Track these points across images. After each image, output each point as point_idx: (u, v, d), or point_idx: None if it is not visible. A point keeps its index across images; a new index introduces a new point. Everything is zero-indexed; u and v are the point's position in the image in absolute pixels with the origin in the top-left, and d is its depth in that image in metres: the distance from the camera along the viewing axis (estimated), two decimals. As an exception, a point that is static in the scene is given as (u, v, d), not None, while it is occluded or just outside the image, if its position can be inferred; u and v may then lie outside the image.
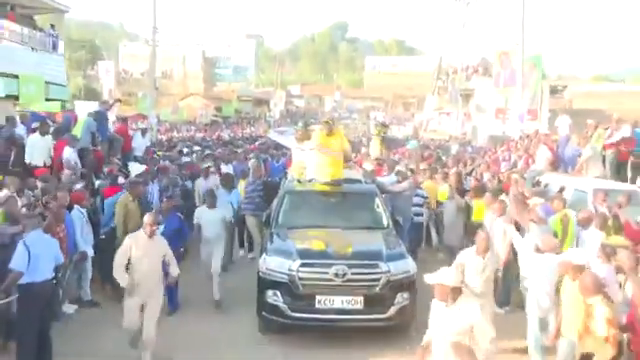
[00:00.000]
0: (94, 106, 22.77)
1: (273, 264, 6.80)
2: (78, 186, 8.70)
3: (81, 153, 10.75)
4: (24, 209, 7.14)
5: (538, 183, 11.08)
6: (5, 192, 7.38)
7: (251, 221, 10.03)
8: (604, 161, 12.10)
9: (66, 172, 9.72)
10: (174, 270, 6.27)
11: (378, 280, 6.62)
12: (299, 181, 8.75)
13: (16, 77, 17.38)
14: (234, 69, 57.58)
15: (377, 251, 6.97)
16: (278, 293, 6.64)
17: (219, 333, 7.06)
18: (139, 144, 13.58)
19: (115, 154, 12.38)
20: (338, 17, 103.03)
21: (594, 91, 40.93)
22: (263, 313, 6.83)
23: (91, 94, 38.68)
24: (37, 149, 10.32)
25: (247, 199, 10.19)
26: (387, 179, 10.39)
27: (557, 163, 12.15)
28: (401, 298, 6.60)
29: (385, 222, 7.98)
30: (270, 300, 6.68)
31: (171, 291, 7.44)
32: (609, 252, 5.98)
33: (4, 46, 17.39)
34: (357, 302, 6.58)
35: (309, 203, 8.35)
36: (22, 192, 7.86)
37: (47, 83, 19.17)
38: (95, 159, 11.33)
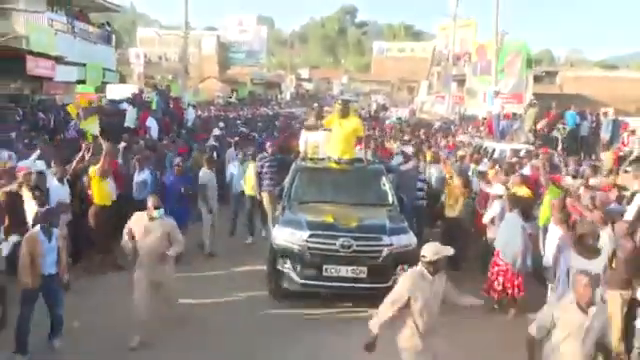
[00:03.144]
0: (129, 88, 28.60)
1: (285, 234, 7.55)
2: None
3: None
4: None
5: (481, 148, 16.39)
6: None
7: (265, 197, 10.69)
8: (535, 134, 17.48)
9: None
10: (173, 250, 6.52)
11: (381, 252, 7.34)
12: (312, 159, 9.55)
13: (84, 65, 22.88)
14: (247, 53, 62.63)
15: (381, 225, 7.65)
16: (288, 261, 7.44)
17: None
18: (191, 117, 18.98)
19: (175, 123, 17.83)
20: (347, 1, 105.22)
21: (583, 76, 45.48)
22: (275, 280, 7.66)
23: (121, 78, 44.05)
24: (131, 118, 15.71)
25: (263, 175, 10.73)
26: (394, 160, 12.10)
27: (493, 134, 17.49)
28: (402, 269, 6.96)
29: (390, 199, 8.73)
30: (281, 267, 7.50)
31: None
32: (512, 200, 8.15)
33: (77, 41, 22.82)
34: (361, 272, 7.30)
35: (319, 180, 9.12)
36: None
37: (104, 69, 24.76)
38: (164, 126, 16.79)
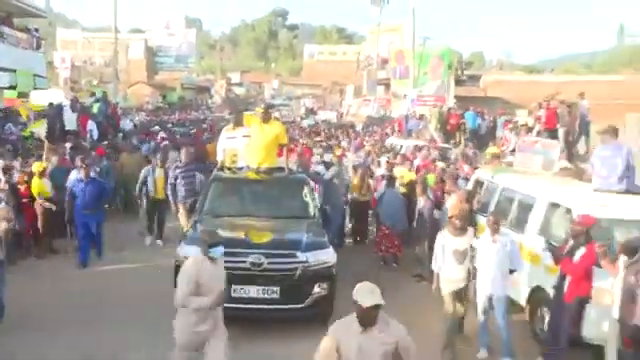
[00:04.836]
0: (54, 94, 29.95)
1: (190, 252, 6.67)
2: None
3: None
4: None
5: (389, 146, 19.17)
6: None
7: (181, 209, 10.64)
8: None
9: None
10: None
11: (295, 270, 6.94)
12: (229, 169, 9.13)
13: (14, 71, 24.11)
14: (176, 58, 64.09)
15: (296, 240, 7.30)
16: None
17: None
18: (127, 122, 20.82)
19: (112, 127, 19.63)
20: (278, 3, 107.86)
21: (504, 80, 49.75)
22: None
23: (45, 82, 44.63)
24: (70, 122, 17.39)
25: (177, 186, 10.70)
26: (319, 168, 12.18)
27: (404, 131, 20.41)
28: (318, 288, 6.90)
29: (312, 211, 8.41)
30: None
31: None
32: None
33: (6, 47, 23.94)
34: (273, 292, 6.89)
35: (236, 191, 8.77)
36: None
37: (34, 76, 26.00)
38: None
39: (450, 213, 7.89)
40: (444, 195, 9.63)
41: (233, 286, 6.66)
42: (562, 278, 6.53)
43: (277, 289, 6.94)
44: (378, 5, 38.39)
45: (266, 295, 6.94)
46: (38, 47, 26.79)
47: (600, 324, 6.29)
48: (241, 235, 7.48)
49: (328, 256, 7.28)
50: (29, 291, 8.34)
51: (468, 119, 20.21)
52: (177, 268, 6.87)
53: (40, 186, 10.48)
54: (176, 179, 10.77)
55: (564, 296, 6.45)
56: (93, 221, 10.02)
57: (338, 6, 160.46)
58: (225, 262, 6.46)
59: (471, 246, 6.97)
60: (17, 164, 11.52)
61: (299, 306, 6.75)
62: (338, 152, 13.66)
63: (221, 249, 5.33)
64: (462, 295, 6.94)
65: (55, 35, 66.95)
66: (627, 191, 7.94)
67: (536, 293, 7.37)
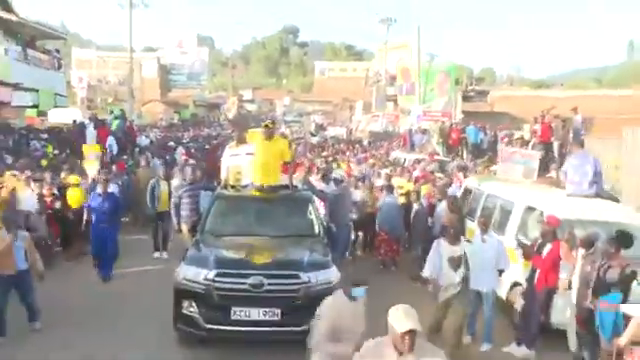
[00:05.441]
0: (71, 113, 31.58)
1: (189, 273, 7.00)
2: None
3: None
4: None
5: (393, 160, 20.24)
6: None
7: (184, 229, 10.75)
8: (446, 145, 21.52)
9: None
10: None
11: (297, 291, 6.83)
12: (233, 187, 9.04)
13: (37, 91, 25.62)
14: (188, 75, 65.92)
15: (298, 260, 7.18)
16: (194, 304, 6.88)
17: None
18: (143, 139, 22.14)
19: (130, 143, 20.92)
20: (289, 20, 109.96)
21: (511, 95, 50.71)
22: (179, 324, 7.10)
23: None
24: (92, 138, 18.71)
25: (182, 205, 11.04)
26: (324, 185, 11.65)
27: (408, 146, 21.50)
28: None
29: (316, 230, 8.29)
30: (185, 311, 6.93)
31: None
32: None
33: (30, 68, 25.48)
34: (274, 314, 6.79)
35: (239, 209, 8.68)
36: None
37: (55, 94, 27.56)
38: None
39: (443, 221, 8.88)
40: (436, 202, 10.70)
41: (233, 308, 6.76)
42: (533, 271, 7.54)
43: (279, 311, 6.84)
44: (385, 23, 39.71)
45: (267, 317, 6.83)
46: (59, 67, 28.42)
47: (565, 311, 7.28)
48: (242, 255, 7.45)
49: (332, 276, 7.13)
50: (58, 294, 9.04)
51: (470, 134, 21.22)
52: (176, 291, 7.10)
53: (78, 197, 11.61)
54: (180, 198, 11.05)
55: (535, 287, 7.47)
56: (108, 234, 10.38)
57: (347, 24, 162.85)
58: (224, 283, 6.71)
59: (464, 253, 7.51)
60: (47, 176, 12.65)
61: (302, 328, 6.34)
62: (344, 167, 14.64)
63: (362, 289, 5.06)
64: (456, 300, 7.30)
65: (70, 54, 68.99)
66: (597, 195, 8.96)
67: (514, 288, 8.35)
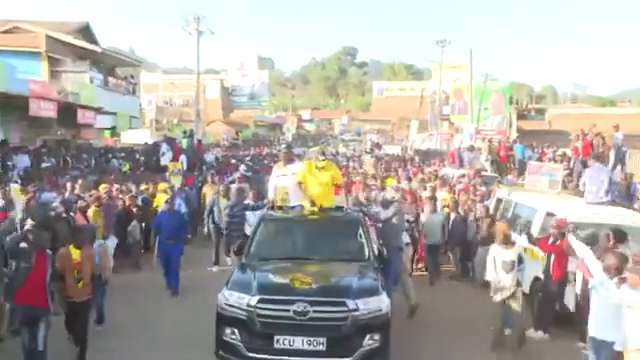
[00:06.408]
0: (141, 134, 34.62)
1: (232, 299, 6.83)
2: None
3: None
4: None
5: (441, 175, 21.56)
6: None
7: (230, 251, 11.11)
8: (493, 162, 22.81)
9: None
10: None
11: (344, 319, 6.58)
12: (280, 207, 8.89)
13: (115, 114, 28.56)
14: (249, 96, 69.10)
15: (346, 286, 6.97)
16: (236, 331, 6.69)
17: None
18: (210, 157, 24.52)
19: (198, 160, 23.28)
20: (347, 41, 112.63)
21: (569, 113, 50.91)
22: (220, 352, 6.91)
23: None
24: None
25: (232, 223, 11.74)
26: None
27: (457, 162, 22.87)
28: (370, 340, 6.56)
29: (367, 253, 7.97)
30: (227, 338, 6.76)
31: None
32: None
33: (110, 93, 28.48)
34: (319, 343, 6.52)
35: (286, 232, 8.51)
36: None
37: (130, 117, 30.52)
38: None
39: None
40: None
41: (276, 336, 6.53)
42: (548, 262, 8.89)
43: (324, 340, 6.54)
44: (440, 45, 41.34)
45: (312, 347, 6.53)
46: (133, 92, 31.45)
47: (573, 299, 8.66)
48: (286, 280, 7.28)
49: (381, 303, 6.85)
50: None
51: (517, 151, 22.37)
52: (218, 316, 6.93)
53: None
54: (232, 217, 11.68)
55: (551, 277, 8.86)
56: (173, 251, 10.74)
57: (406, 44, 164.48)
58: (267, 310, 6.57)
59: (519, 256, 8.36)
60: (133, 187, 14.87)
61: (348, 359, 6.40)
62: (392, 183, 15.95)
63: None
64: (511, 300, 8.19)
65: (139, 78, 73.55)
66: (613, 202, 10.30)
67: (535, 282, 9.73)
